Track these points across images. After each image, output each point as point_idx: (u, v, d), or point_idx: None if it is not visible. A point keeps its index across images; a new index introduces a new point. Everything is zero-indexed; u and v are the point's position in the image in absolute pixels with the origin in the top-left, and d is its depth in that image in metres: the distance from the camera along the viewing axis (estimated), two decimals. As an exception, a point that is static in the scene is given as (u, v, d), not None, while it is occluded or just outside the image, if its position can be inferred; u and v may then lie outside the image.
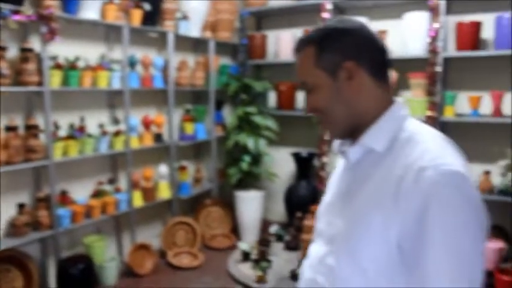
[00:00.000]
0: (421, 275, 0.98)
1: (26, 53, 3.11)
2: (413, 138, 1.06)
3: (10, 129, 3.11)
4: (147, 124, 4.17)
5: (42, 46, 3.18)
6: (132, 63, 3.94)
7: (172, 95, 4.32)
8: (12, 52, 3.14)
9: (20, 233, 3.22)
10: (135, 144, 4.02)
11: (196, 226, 4.52)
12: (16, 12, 2.88)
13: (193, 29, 4.47)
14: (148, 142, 4.18)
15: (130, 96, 3.91)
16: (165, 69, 4.28)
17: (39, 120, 3.29)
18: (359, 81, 1.08)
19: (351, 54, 1.08)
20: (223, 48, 4.98)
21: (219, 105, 4.96)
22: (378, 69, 1.10)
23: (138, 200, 4.10)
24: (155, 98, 4.38)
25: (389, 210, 1.00)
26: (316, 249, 1.20)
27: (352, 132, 1.14)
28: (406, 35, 4.20)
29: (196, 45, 4.83)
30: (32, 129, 3.23)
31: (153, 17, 4.05)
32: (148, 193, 4.21)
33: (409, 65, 4.24)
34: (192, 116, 4.63)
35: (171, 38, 4.23)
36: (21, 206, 3.26)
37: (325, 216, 1.21)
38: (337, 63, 1.08)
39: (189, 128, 4.58)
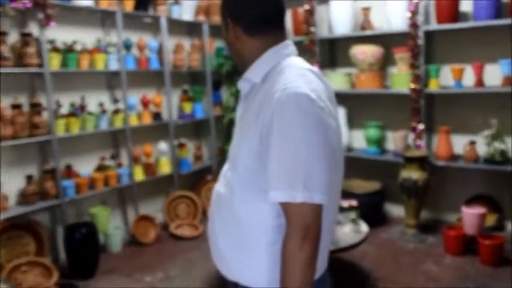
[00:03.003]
0: (268, 178, 1.22)
1: (25, 37, 3.48)
2: (282, 71, 1.30)
3: (15, 107, 3.48)
4: (145, 103, 4.48)
5: (40, 31, 3.54)
6: (127, 46, 4.26)
7: (169, 76, 4.63)
8: (13, 37, 3.51)
9: (29, 201, 3.60)
10: (134, 122, 4.35)
11: (197, 199, 4.83)
12: (13, -1, 3.24)
13: (186, 13, 4.76)
14: (147, 120, 4.50)
15: (127, 77, 4.25)
16: (160, 52, 4.58)
17: (42, 99, 3.64)
18: (235, 34, 1.39)
19: (229, 15, 1.40)
20: (218, 31, 5.21)
21: (217, 86, 5.24)
22: (252, 26, 1.37)
23: (139, 175, 4.43)
24: (153, 79, 4.70)
25: (254, 127, 1.26)
26: (223, 168, 1.48)
27: (244, 68, 1.44)
28: (389, 11, 4.37)
29: (191, 28, 5.11)
30: (35, 107, 3.59)
31: (145, 3, 4.36)
32: (149, 168, 4.54)
33: (393, 40, 4.42)
34: (189, 96, 4.94)
35: (164, 22, 4.53)
36: (29, 178, 3.63)
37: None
38: (224, 19, 1.42)
39: (187, 107, 4.89)
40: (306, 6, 4.72)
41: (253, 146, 1.26)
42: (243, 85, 1.42)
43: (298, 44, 4.42)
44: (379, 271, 3.57)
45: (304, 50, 4.65)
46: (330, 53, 5.04)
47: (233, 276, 1.40)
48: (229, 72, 4.95)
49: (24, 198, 3.61)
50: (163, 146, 4.66)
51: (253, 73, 1.37)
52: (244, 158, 1.30)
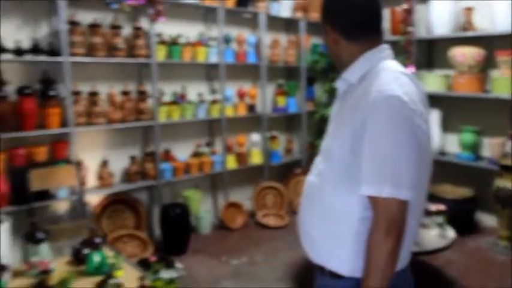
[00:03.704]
0: (361, 173, 1.31)
1: (137, 30, 3.84)
2: (378, 73, 1.38)
3: (125, 93, 3.84)
4: (241, 95, 4.71)
5: (150, 25, 3.88)
6: (227, 40, 4.50)
7: (265, 70, 4.82)
8: (127, 30, 3.88)
9: (132, 180, 3.97)
10: (229, 112, 4.59)
11: (285, 191, 4.98)
12: (129, -3, 3.58)
13: (284, 10, 4.91)
14: (242, 112, 4.72)
15: (226, 70, 4.49)
16: (257, 47, 4.78)
17: (147, 87, 3.99)
18: (333, 39, 1.49)
19: (328, 21, 1.49)
20: (315, 27, 5.29)
21: (311, 82, 5.33)
22: (350, 32, 1.46)
23: (231, 163, 4.67)
24: (249, 73, 4.91)
25: (349, 124, 1.36)
26: (316, 160, 1.59)
27: (342, 68, 1.53)
28: (493, 12, 4.17)
29: (289, 24, 5.24)
30: (142, 95, 3.93)
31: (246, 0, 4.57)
32: (241, 158, 4.76)
33: (496, 42, 4.22)
34: (284, 90, 5.09)
35: (263, 18, 4.72)
36: (132, 158, 4.00)
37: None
38: (324, 24, 1.51)
39: (281, 101, 5.04)
40: (405, 6, 4.64)
41: (347, 142, 1.36)
42: (340, 84, 1.52)
43: (395, 44, 4.39)
44: (464, 280, 3.47)
45: (400, 50, 4.58)
46: (427, 53, 4.91)
47: (320, 260, 1.51)
48: (324, 69, 5.02)
49: (127, 176, 3.99)
50: (255, 137, 4.86)
51: (350, 74, 1.46)
52: (338, 152, 1.40)
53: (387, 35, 4.79)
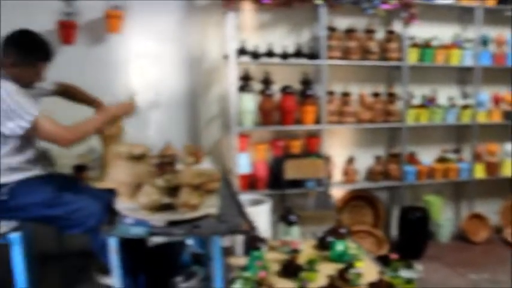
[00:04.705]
0: None
1: (390, 34, 3.96)
2: None
3: (375, 95, 4.01)
4: (496, 101, 4.39)
5: (403, 28, 3.95)
6: (484, 42, 4.25)
7: (527, 74, 4.38)
8: (380, 34, 4.02)
9: (375, 179, 4.13)
10: (482, 118, 4.33)
11: (539, 209, 4.46)
12: (384, 2, 3.70)
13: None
14: (497, 118, 4.40)
15: (481, 73, 4.25)
16: (519, 48, 4.37)
17: (397, 90, 4.07)
18: None
19: None
20: None
21: None
22: None
23: (479, 172, 4.40)
24: (508, 76, 4.51)
25: None
26: None
27: None
28: None
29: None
30: (391, 97, 4.04)
31: (510, -4, 4.23)
32: (492, 168, 4.44)
33: None
34: (548, 97, 4.53)
35: (529, 16, 4.29)
36: (377, 158, 4.15)
37: None
38: None
39: (544, 109, 4.51)
40: None
41: None
42: None
43: None
44: None
45: None
46: None
47: None
48: None
49: (370, 175, 4.17)
50: (510, 146, 4.47)
51: None
52: None
53: None
